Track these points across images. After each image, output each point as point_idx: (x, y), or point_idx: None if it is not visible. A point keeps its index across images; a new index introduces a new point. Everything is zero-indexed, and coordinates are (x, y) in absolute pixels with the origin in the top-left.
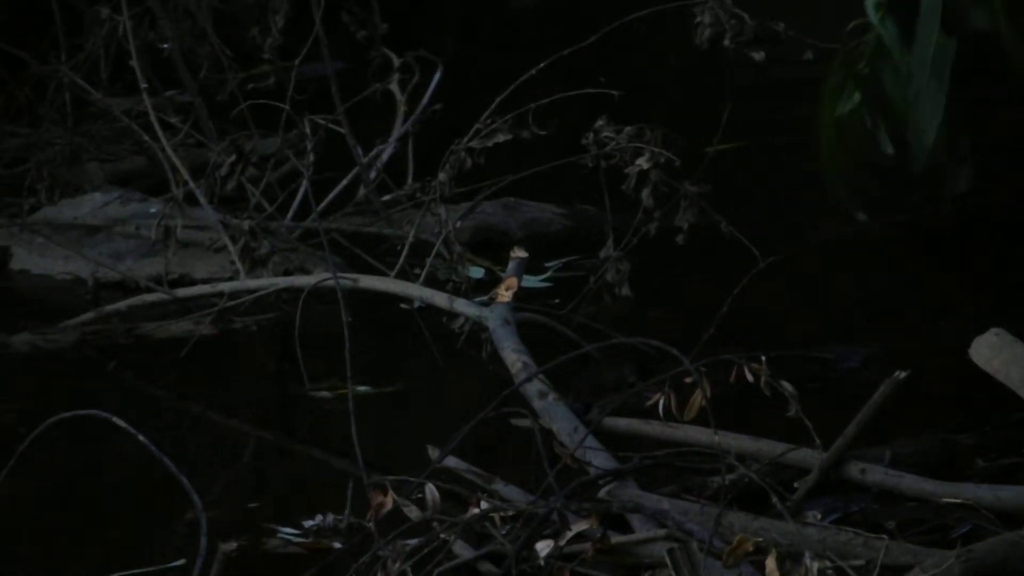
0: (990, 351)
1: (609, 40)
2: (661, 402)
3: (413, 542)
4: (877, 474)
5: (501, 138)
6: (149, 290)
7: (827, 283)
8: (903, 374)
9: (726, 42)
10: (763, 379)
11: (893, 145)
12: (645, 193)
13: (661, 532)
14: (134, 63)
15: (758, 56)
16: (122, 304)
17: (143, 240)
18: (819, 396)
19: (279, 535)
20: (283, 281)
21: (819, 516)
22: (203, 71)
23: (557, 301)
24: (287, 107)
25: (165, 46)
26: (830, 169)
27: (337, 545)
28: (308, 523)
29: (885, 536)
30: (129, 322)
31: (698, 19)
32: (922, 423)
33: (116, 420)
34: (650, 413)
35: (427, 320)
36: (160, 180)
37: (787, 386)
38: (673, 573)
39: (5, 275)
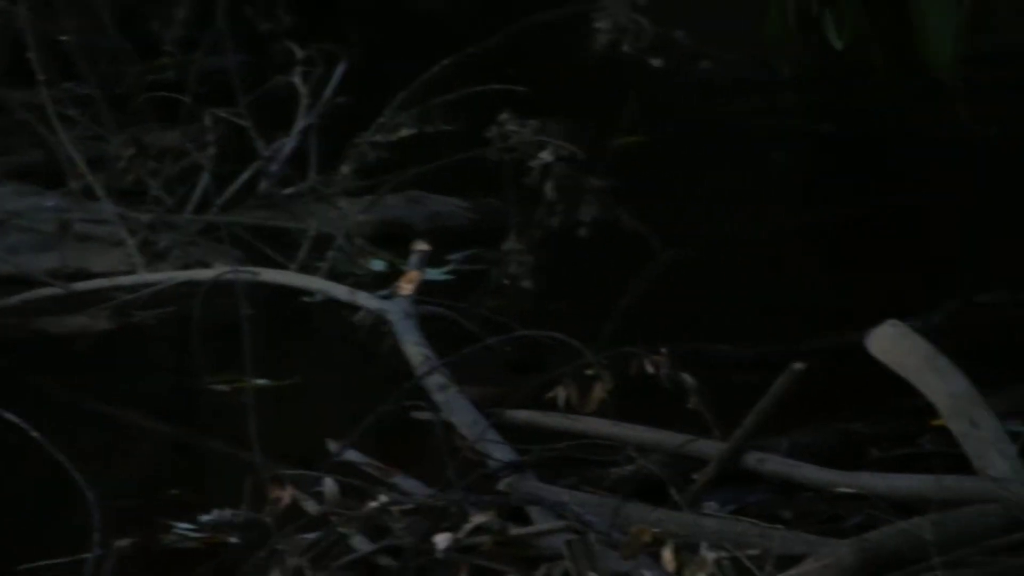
0: (886, 342)
1: (521, 39)
2: (562, 394)
3: (311, 536)
4: (775, 464)
5: (405, 132)
6: (45, 284)
7: (731, 278)
8: (801, 366)
9: (625, 47)
10: (664, 371)
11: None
12: (548, 186)
13: (560, 524)
14: (31, 55)
15: (656, 62)
16: (17, 298)
17: (39, 234)
18: (719, 388)
19: (175, 530)
20: (183, 275)
21: (717, 507)
22: (103, 63)
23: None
24: (188, 100)
25: (64, 38)
26: (772, 30)
27: (234, 540)
28: (205, 518)
29: (781, 526)
30: (25, 317)
31: (596, 24)
32: (820, 414)
33: (9, 416)
34: (551, 405)
35: (329, 313)
36: (57, 173)
37: (687, 378)
38: (571, 564)
39: None
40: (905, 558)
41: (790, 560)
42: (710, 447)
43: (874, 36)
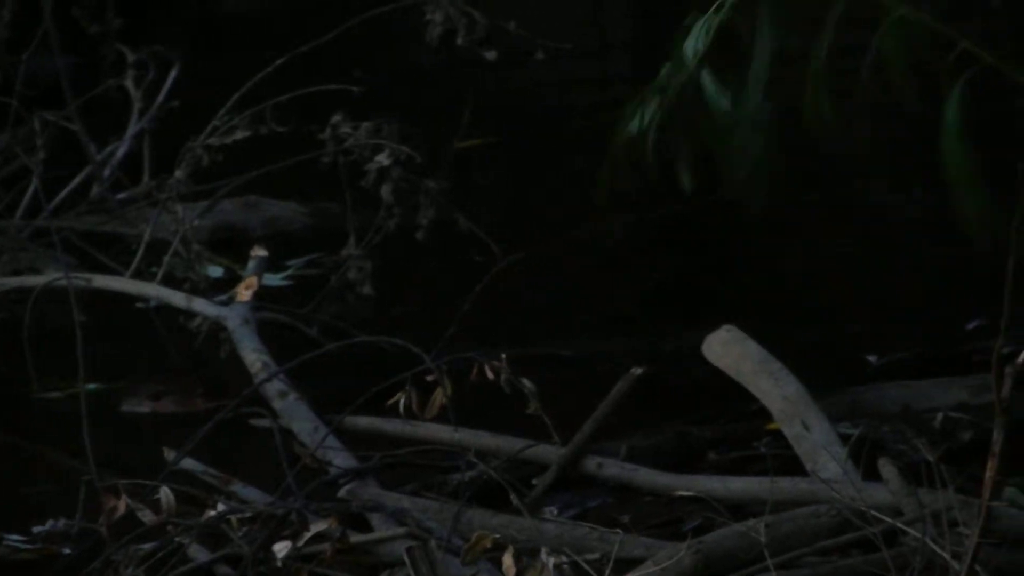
0: (721, 348)
1: (352, 39)
2: (402, 400)
3: (148, 546)
4: (613, 468)
5: (239, 135)
6: None
7: (574, 281)
8: (639, 370)
9: (459, 40)
10: (503, 376)
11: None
12: (385, 189)
13: (401, 531)
14: None
15: (490, 55)
16: None
17: None
18: (559, 393)
19: (6, 542)
20: (12, 281)
21: (556, 512)
22: None
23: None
24: (15, 103)
25: None
26: (608, 170)
27: (68, 551)
28: (37, 528)
29: (620, 530)
30: None
31: (428, 16)
32: (659, 418)
33: None
34: (392, 411)
35: (165, 320)
36: None
37: (527, 383)
38: (412, 572)
39: None
40: (741, 559)
41: (629, 563)
42: (550, 452)
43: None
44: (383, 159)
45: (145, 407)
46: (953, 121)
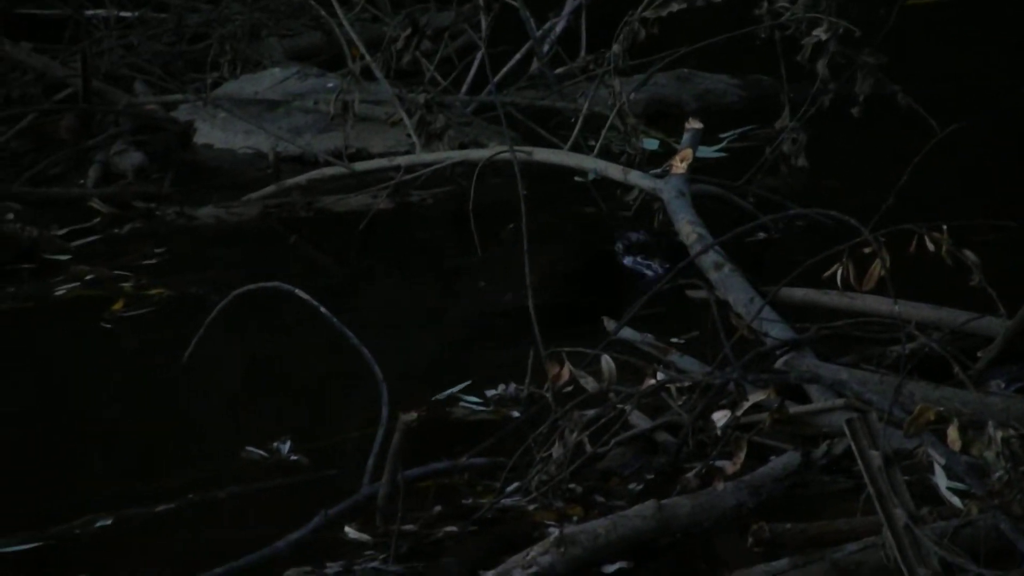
0: None
1: None
2: (839, 272)
3: (591, 412)
4: None
5: (675, 7)
6: (328, 164)
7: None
8: None
9: None
10: (944, 248)
11: None
12: (820, 64)
13: (840, 402)
14: None
15: None
16: (302, 178)
17: (321, 114)
18: (1002, 264)
19: (463, 404)
20: (458, 154)
21: (1003, 385)
22: None
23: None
24: None
25: None
26: None
27: (516, 414)
28: (490, 392)
29: None
30: (309, 195)
31: None
32: None
33: (298, 292)
34: (828, 283)
35: (601, 192)
36: (336, 55)
37: (969, 255)
38: (852, 443)
39: (190, 149)
40: None
41: None
42: (995, 324)
43: None
44: (820, 33)
45: None
46: None
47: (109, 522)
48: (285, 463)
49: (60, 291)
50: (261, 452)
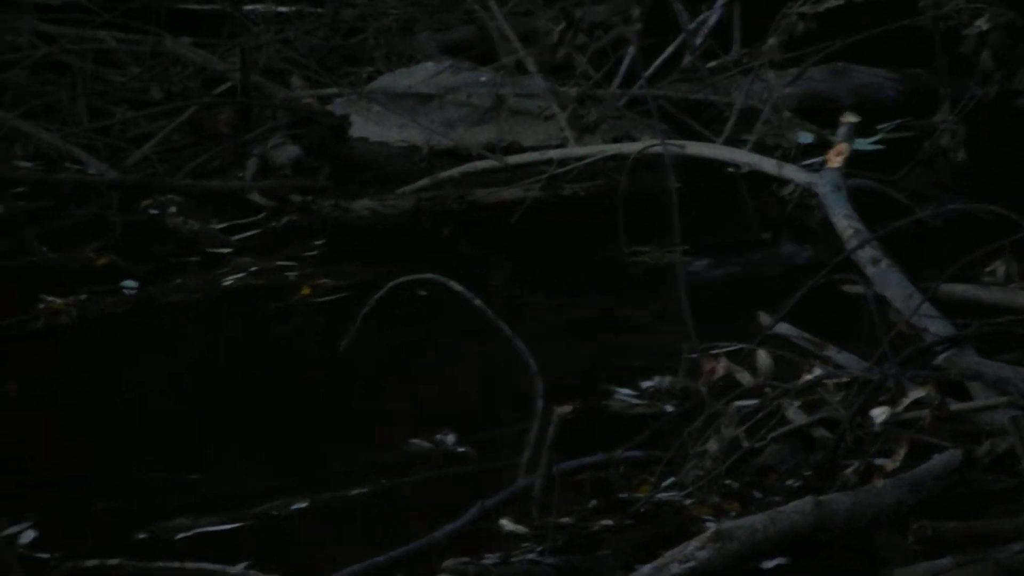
0: None
1: None
2: (1001, 268)
3: (746, 406)
4: None
5: (833, 2)
6: (481, 157)
7: None
8: None
9: None
10: None
11: None
12: (984, 55)
13: (1002, 399)
14: None
15: None
16: (455, 171)
17: (474, 108)
18: None
19: (618, 396)
20: (611, 148)
21: None
22: None
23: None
24: None
25: None
26: None
27: (671, 408)
28: (646, 384)
29: None
30: (462, 188)
31: None
32: None
33: (452, 284)
34: (988, 279)
35: (753, 187)
36: (489, 49)
37: None
38: (1016, 440)
39: (345, 142)
40: None
41: None
42: None
43: None
44: (982, 23)
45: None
46: None
47: (305, 504)
48: (451, 454)
49: (227, 282)
50: (426, 443)
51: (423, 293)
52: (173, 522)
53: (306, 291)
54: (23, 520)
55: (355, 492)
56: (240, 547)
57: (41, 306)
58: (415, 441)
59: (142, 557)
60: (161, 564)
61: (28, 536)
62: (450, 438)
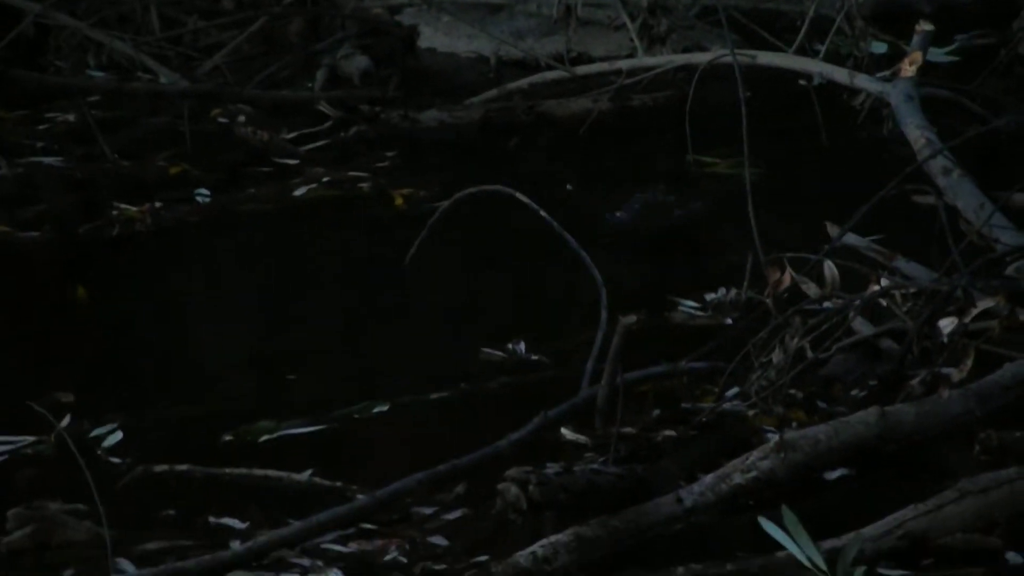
0: None
1: None
2: None
3: (812, 318)
4: None
5: None
6: (550, 68)
7: None
8: None
9: None
10: None
11: None
12: None
13: None
14: None
15: None
16: (524, 82)
17: (544, 18)
18: None
19: (682, 308)
20: (680, 58)
21: None
22: None
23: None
24: None
25: None
26: None
27: (734, 320)
28: (709, 296)
29: None
30: (530, 99)
31: None
32: None
33: (519, 195)
34: None
35: (824, 96)
36: None
37: None
38: None
39: (414, 53)
40: None
41: None
42: None
43: None
44: None
45: None
46: None
47: (386, 408)
48: (523, 362)
49: (299, 192)
50: (498, 352)
51: (491, 205)
52: (257, 424)
53: (399, 201)
54: (108, 423)
55: (434, 396)
56: (320, 452)
57: (115, 213)
58: (487, 350)
59: (223, 462)
60: (229, 470)
61: (114, 439)
62: (521, 346)
